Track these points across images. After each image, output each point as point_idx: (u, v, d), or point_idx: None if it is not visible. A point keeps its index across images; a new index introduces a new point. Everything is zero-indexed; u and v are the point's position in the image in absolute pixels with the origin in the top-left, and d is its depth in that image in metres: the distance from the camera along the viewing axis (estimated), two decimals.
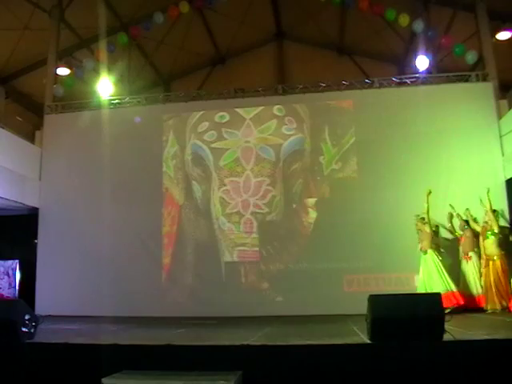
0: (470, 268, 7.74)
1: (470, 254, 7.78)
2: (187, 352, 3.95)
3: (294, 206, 9.17)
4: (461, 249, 7.98)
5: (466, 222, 8.00)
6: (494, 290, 7.29)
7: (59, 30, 10.81)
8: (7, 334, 4.16)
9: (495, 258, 7.45)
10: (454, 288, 7.41)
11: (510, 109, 8.78)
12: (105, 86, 10.68)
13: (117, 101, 10.38)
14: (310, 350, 3.86)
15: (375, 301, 4.07)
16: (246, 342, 4.12)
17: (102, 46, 10.80)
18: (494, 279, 7.33)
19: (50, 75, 10.68)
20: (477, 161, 8.62)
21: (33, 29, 11.29)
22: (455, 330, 4.26)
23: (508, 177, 8.50)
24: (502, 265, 7.39)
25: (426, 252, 7.72)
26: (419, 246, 7.88)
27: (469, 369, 3.54)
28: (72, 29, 11.56)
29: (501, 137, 8.74)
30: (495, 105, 8.94)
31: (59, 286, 9.11)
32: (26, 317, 4.36)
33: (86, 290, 8.96)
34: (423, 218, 7.93)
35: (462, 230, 7.99)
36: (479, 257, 7.75)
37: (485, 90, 9.06)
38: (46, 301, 8.95)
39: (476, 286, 7.63)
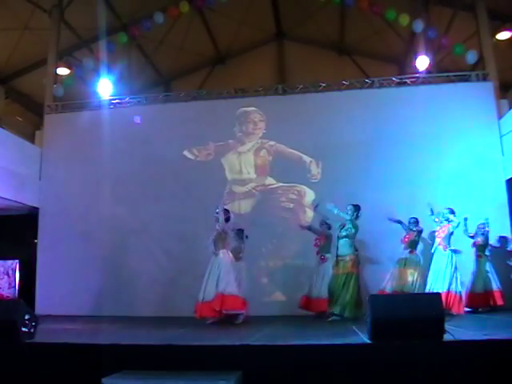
0: None
1: None
2: (187, 352, 3.94)
3: (292, 205, 9.23)
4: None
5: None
6: None
7: (59, 29, 10.81)
8: (7, 333, 4.15)
9: (347, 258, 7.13)
10: None
11: (510, 108, 8.79)
12: (105, 86, 10.67)
13: (117, 101, 10.38)
14: (310, 350, 3.86)
15: (375, 301, 4.06)
16: (245, 342, 4.12)
17: (102, 46, 10.80)
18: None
19: (49, 75, 10.68)
20: (477, 161, 8.62)
21: (33, 29, 11.30)
22: (455, 329, 4.26)
23: (508, 177, 8.49)
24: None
25: None
26: None
27: (469, 369, 3.53)
28: (72, 29, 11.56)
29: (501, 137, 8.75)
30: (495, 104, 8.94)
31: (59, 286, 9.09)
32: (26, 317, 4.34)
33: (86, 290, 8.95)
34: None
35: None
36: None
37: (485, 90, 9.05)
38: (46, 301, 8.96)
39: None
